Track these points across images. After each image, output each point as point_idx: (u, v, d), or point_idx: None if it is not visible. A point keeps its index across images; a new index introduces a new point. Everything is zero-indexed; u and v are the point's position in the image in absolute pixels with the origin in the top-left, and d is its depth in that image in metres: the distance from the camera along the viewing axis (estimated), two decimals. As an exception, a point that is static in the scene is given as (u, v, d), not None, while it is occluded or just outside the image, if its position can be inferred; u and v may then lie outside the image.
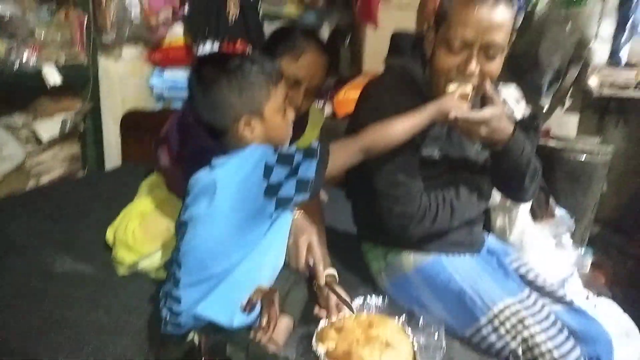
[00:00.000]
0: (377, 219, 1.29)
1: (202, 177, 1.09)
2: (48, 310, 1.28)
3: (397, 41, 1.39)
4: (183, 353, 1.06)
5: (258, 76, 1.08)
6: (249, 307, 1.08)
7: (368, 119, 1.19)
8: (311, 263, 1.21)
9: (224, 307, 1.06)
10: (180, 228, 1.11)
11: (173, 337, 1.10)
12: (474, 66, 1.16)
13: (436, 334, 1.24)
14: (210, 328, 1.06)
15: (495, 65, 1.19)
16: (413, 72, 1.30)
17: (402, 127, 1.13)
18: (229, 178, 1.05)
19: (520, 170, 1.29)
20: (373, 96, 1.33)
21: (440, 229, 1.31)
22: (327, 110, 2.58)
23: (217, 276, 1.06)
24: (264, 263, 1.11)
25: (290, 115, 1.15)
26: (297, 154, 1.04)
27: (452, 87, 1.18)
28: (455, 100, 1.16)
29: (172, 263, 1.13)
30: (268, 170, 1.02)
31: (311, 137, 1.62)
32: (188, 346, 1.06)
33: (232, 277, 1.07)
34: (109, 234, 1.52)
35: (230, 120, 1.08)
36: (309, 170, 1.03)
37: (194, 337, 1.06)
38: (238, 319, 1.07)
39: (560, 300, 1.36)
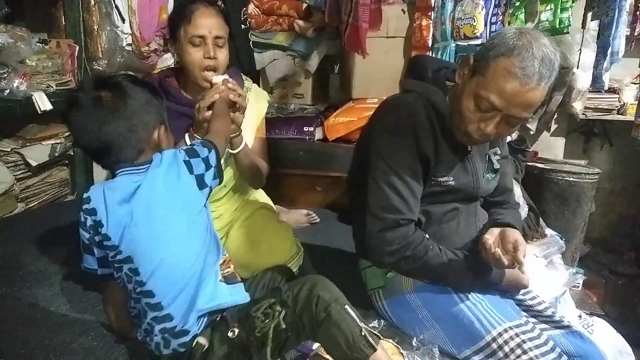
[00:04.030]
0: (362, 234, 1.30)
1: (115, 217, 1.06)
2: (36, 335, 1.25)
3: (419, 65, 1.40)
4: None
5: (147, 85, 1.16)
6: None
7: (384, 131, 1.28)
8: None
9: (222, 293, 1.10)
10: (118, 272, 1.09)
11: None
12: (491, 130, 1.19)
13: (430, 354, 1.23)
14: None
15: (512, 131, 1.23)
16: (435, 98, 1.30)
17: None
18: (160, 190, 1.07)
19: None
20: (393, 112, 1.32)
21: (425, 269, 1.30)
22: (318, 134, 2.60)
23: (191, 280, 1.07)
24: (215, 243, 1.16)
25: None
26: (198, 147, 1.14)
27: (215, 78, 1.44)
28: None
29: (135, 301, 1.09)
30: (189, 166, 1.10)
31: (259, 108, 1.75)
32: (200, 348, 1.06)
33: (204, 273, 1.09)
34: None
35: (149, 133, 1.12)
36: (216, 160, 1.16)
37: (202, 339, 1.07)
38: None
39: (557, 324, 1.36)
